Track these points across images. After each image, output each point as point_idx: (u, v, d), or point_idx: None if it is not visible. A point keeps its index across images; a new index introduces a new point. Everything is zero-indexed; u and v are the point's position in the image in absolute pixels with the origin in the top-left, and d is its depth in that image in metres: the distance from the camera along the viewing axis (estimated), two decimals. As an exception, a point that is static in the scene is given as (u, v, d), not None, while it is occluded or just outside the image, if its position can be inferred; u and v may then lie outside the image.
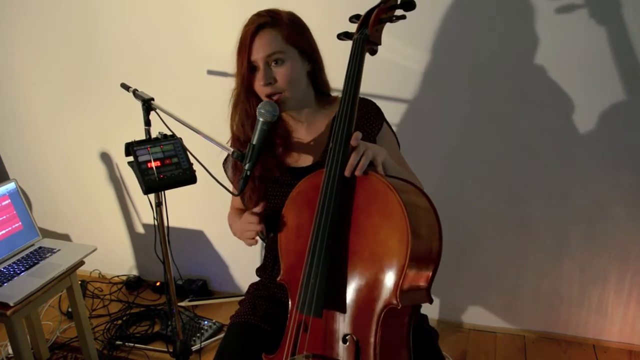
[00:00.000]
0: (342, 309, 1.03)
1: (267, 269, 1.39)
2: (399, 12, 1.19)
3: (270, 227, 1.26)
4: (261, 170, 1.26)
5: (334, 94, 1.35)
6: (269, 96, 1.19)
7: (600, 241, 1.95)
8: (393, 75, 1.92)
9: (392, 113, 1.95)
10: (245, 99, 1.24)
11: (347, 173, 1.02)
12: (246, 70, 1.19)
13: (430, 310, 2.22)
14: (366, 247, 1.01)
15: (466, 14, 1.79)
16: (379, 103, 1.32)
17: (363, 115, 1.27)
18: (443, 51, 1.86)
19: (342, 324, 1.04)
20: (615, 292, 1.99)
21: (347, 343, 1.02)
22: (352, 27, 1.23)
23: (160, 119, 1.43)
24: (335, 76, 1.32)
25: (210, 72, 2.17)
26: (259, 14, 1.20)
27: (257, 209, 1.22)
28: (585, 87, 1.77)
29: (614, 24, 1.66)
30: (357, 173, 1.02)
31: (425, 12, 1.81)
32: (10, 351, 2.03)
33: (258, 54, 1.17)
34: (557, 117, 1.84)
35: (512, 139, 1.92)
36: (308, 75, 1.26)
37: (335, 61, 1.33)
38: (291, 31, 1.20)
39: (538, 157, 1.91)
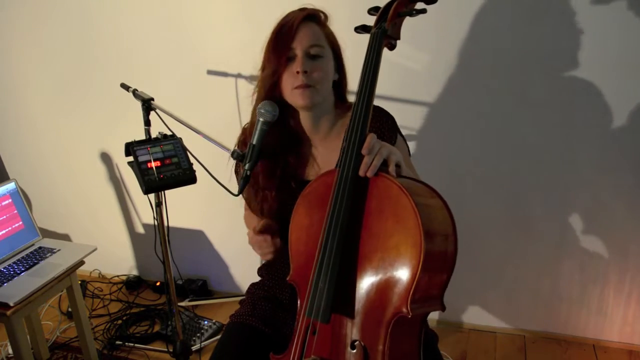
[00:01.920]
0: (351, 314, 1.00)
1: (270, 269, 1.38)
2: (419, 5, 1.15)
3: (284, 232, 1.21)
4: (282, 182, 1.23)
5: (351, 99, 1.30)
6: (298, 87, 1.14)
7: (600, 241, 1.95)
8: (394, 76, 1.92)
9: (392, 113, 1.94)
10: (272, 87, 1.18)
11: (361, 173, 0.99)
12: (285, 58, 1.14)
13: (430, 310, 2.22)
14: (377, 252, 0.97)
15: (468, 14, 1.79)
16: (379, 103, 1.31)
17: (377, 126, 1.24)
18: (444, 52, 1.86)
19: (351, 330, 1.00)
20: (615, 292, 1.99)
21: (355, 349, 0.99)
22: (371, 20, 1.19)
23: (160, 119, 1.43)
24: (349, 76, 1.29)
25: (210, 72, 2.17)
26: (304, 8, 1.19)
27: (259, 227, 1.17)
28: (585, 88, 1.77)
29: (616, 24, 1.66)
30: (368, 174, 0.98)
31: (427, 12, 1.81)
32: (10, 351, 2.03)
33: (301, 42, 1.14)
34: (558, 117, 1.83)
35: (512, 139, 1.92)
36: (333, 84, 1.23)
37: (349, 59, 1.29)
38: (331, 33, 1.21)
39: (538, 157, 1.91)
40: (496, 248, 2.09)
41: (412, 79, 1.92)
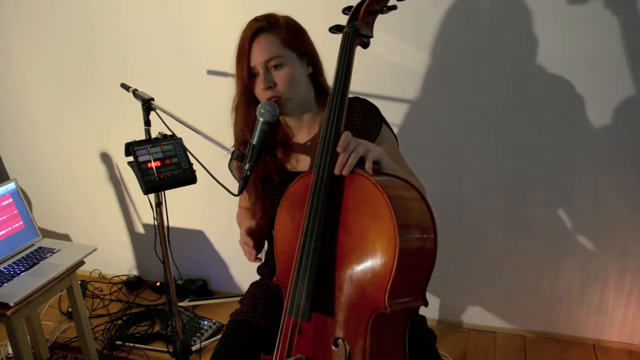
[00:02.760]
0: (332, 312, 1.01)
1: (269, 267, 1.39)
2: (390, 2, 1.16)
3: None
4: (263, 176, 1.25)
5: None
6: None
7: (600, 241, 1.95)
8: (394, 75, 1.92)
9: (393, 113, 1.95)
10: (245, 105, 1.23)
11: (336, 171, 0.99)
12: (247, 77, 1.18)
13: (430, 311, 2.22)
14: (355, 249, 0.98)
15: (467, 14, 1.79)
16: (380, 103, 1.31)
17: (362, 117, 1.25)
18: (444, 51, 1.86)
19: (333, 328, 1.01)
20: (615, 292, 1.99)
21: (338, 347, 1.00)
22: (345, 20, 1.19)
23: (160, 119, 1.43)
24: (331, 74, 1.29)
25: (210, 72, 2.17)
26: (256, 19, 1.20)
27: (252, 225, 1.22)
28: (585, 88, 1.77)
29: (615, 25, 1.66)
30: (344, 172, 0.98)
31: (426, 12, 1.81)
32: (10, 351, 2.03)
33: (257, 60, 1.16)
34: (558, 117, 1.83)
35: (512, 139, 1.92)
36: (309, 77, 1.25)
37: (331, 58, 1.30)
38: (289, 34, 1.19)
39: (538, 157, 1.91)
40: (496, 248, 2.09)
41: (411, 79, 1.92)
